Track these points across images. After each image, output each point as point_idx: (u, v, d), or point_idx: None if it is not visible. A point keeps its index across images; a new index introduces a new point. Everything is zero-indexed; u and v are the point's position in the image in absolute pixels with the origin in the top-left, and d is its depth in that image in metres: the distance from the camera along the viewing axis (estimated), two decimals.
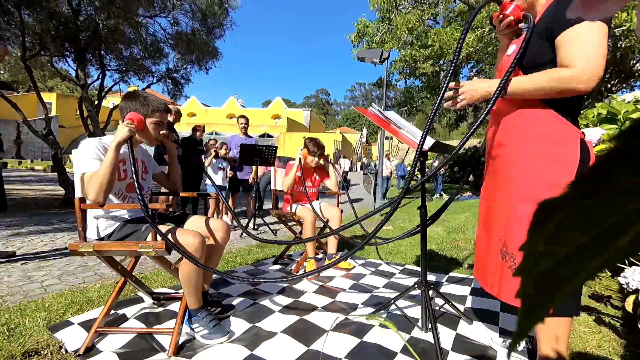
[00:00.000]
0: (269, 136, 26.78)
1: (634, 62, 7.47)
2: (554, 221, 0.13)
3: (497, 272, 1.25)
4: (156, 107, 1.59)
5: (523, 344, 1.53)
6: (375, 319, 0.64)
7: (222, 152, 4.44)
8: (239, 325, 1.71)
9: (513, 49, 1.27)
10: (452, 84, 1.30)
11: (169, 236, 1.48)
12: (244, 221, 4.74)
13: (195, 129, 4.52)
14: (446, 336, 1.65)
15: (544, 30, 1.12)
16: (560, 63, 1.06)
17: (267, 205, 6.59)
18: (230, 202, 4.66)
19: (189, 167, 4.19)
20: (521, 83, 1.13)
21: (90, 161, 1.44)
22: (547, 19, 1.12)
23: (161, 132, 1.64)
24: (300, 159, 2.75)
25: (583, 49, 1.01)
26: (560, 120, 1.12)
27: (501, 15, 1.27)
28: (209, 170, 4.35)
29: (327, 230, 2.80)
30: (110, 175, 1.39)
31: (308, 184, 2.96)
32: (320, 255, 2.86)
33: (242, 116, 4.87)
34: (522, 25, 1.26)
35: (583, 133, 1.13)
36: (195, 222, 1.73)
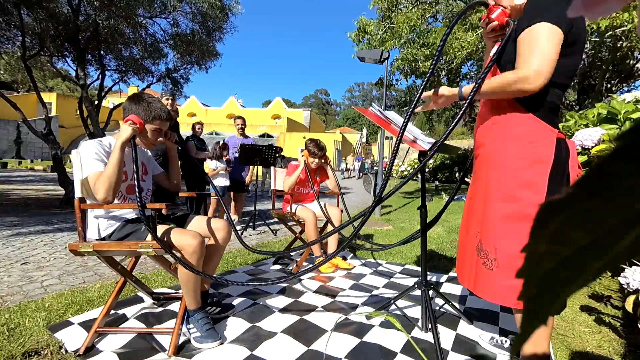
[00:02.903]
0: (269, 136, 26.77)
1: (634, 62, 7.47)
2: (556, 222, 0.13)
3: (472, 267, 1.30)
4: (158, 115, 1.60)
5: (508, 341, 1.55)
6: (380, 316, 0.64)
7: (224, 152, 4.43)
8: (239, 325, 1.71)
9: (494, 50, 1.31)
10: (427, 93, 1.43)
11: (168, 236, 1.49)
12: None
13: (194, 127, 4.55)
14: (446, 336, 1.65)
15: (515, 32, 1.16)
16: (516, 64, 1.12)
17: (267, 205, 6.59)
18: (232, 204, 4.66)
19: (192, 167, 4.18)
20: (484, 85, 1.19)
21: (93, 162, 1.45)
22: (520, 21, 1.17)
23: (159, 139, 1.67)
24: (304, 160, 2.77)
25: (531, 50, 1.05)
26: (536, 121, 1.15)
27: (487, 19, 1.31)
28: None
29: (328, 229, 2.81)
30: (118, 173, 1.43)
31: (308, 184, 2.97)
32: (320, 254, 2.85)
33: (239, 117, 4.88)
34: (507, 30, 1.30)
35: (561, 133, 1.16)
36: (196, 222, 1.73)
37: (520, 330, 0.15)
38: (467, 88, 1.25)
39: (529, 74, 1.04)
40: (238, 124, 4.78)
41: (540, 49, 1.04)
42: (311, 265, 2.70)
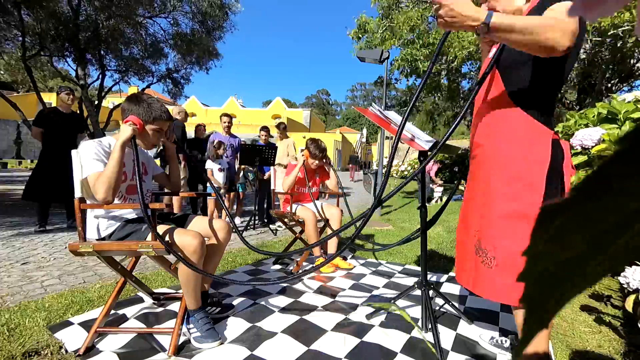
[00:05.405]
0: (269, 136, 26.73)
1: (634, 61, 7.47)
2: (556, 225, 0.13)
3: (472, 267, 1.30)
4: (158, 115, 1.59)
5: (509, 341, 1.55)
6: (388, 307, 0.64)
7: (220, 151, 4.43)
8: (239, 325, 1.71)
9: (494, 51, 1.31)
10: None
11: (168, 236, 1.48)
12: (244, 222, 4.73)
13: (197, 128, 4.54)
14: (446, 336, 1.65)
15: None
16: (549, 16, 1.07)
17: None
18: (226, 202, 4.64)
19: (194, 167, 4.17)
20: (510, 18, 1.03)
21: (93, 162, 1.45)
22: None
23: (160, 139, 1.67)
24: (303, 160, 2.77)
25: (561, 12, 1.02)
26: (532, 122, 1.16)
27: None
28: (214, 172, 4.33)
29: (328, 229, 2.81)
30: (118, 173, 1.42)
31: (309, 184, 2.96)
32: (320, 254, 2.85)
33: (226, 114, 4.76)
34: None
35: (556, 133, 1.17)
36: (196, 223, 1.73)
37: (522, 334, 0.14)
38: (498, 17, 1.02)
39: (561, 24, 0.97)
40: (224, 122, 4.67)
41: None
42: (311, 266, 2.69)
